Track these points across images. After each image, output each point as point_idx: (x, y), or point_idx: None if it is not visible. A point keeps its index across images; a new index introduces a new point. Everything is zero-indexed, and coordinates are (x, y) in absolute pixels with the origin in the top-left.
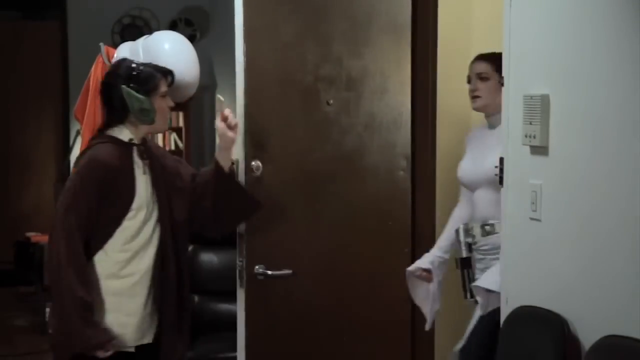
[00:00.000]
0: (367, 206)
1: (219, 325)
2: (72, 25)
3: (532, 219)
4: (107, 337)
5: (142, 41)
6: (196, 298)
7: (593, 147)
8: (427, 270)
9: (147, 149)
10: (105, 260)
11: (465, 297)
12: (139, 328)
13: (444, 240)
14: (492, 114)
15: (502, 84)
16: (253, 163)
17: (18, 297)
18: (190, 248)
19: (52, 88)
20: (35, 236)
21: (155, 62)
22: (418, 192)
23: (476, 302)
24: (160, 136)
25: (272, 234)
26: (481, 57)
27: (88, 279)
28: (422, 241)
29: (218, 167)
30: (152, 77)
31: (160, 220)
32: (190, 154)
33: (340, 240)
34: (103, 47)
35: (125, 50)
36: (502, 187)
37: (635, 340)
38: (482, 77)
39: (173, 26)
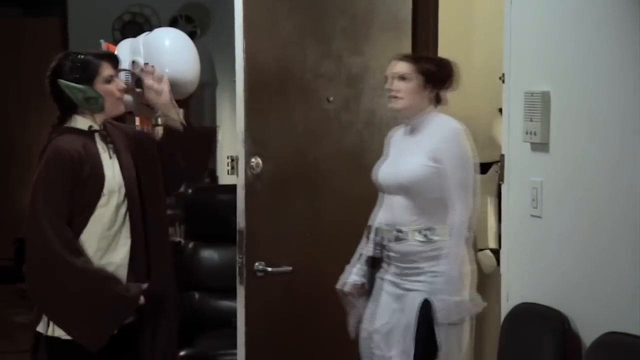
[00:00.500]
0: (367, 203)
1: (219, 322)
2: (73, 22)
3: (532, 215)
4: (139, 286)
5: (142, 38)
6: (196, 295)
7: (594, 144)
8: (362, 285)
9: (108, 133)
10: (87, 247)
11: (368, 297)
12: None
13: (363, 244)
14: (412, 118)
15: (424, 87)
16: (253, 160)
17: (18, 294)
18: (190, 245)
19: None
20: None
21: (155, 59)
22: None
23: None
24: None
25: (272, 231)
26: (402, 58)
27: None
28: None
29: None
30: (89, 64)
31: (130, 204)
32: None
33: (340, 237)
34: (104, 44)
35: (126, 47)
36: (503, 183)
37: (636, 337)
38: (402, 78)
39: (173, 23)
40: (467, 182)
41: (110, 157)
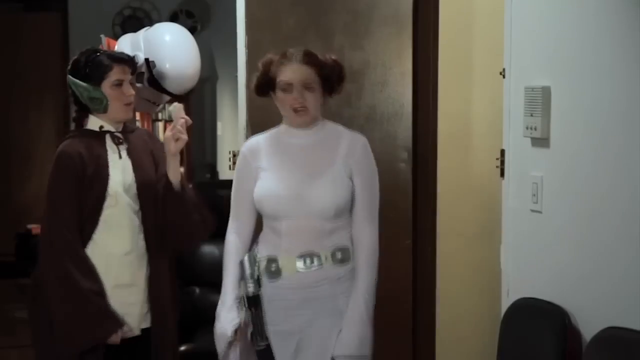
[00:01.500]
0: None
1: None
2: (73, 17)
3: (533, 210)
4: (119, 324)
5: (143, 33)
6: (197, 290)
7: (594, 139)
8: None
9: (126, 136)
10: (98, 251)
11: (254, 342)
12: (140, 315)
13: (232, 282)
14: (308, 127)
15: (328, 94)
16: None
17: (19, 289)
18: None
19: (53, 80)
20: (36, 228)
21: (156, 54)
22: (419, 184)
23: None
24: (161, 127)
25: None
26: (306, 61)
27: (92, 270)
28: (423, 233)
29: (167, 183)
30: (101, 65)
31: (143, 206)
32: (191, 146)
33: None
34: (104, 39)
35: (127, 42)
36: (503, 179)
37: (637, 332)
38: (308, 87)
39: (174, 18)
40: (377, 201)
41: (120, 158)
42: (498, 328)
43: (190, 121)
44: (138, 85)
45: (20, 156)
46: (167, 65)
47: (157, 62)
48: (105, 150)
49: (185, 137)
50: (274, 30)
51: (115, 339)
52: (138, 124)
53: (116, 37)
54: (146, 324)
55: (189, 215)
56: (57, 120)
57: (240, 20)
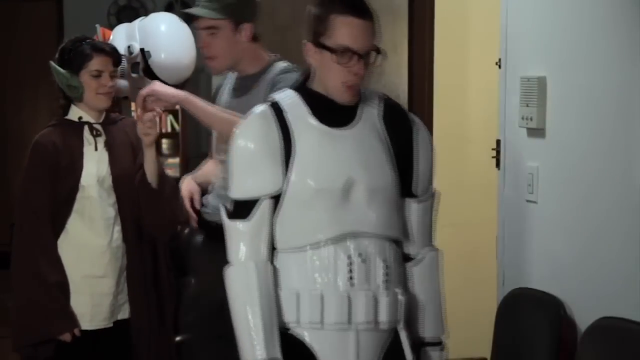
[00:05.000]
0: None
1: None
2: (68, 6)
3: (528, 201)
4: (75, 324)
5: (138, 23)
6: (192, 280)
7: (590, 130)
8: None
9: (106, 128)
10: (70, 241)
11: None
12: (112, 306)
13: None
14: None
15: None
16: None
17: None
18: (186, 231)
19: (47, 70)
20: None
21: (151, 44)
22: None
23: None
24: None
25: None
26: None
27: (58, 261)
28: None
29: (142, 175)
30: (82, 54)
31: (119, 198)
32: (186, 136)
33: None
34: (99, 29)
35: (122, 32)
36: (499, 169)
37: (631, 321)
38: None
39: (169, 8)
40: None
41: (96, 150)
42: (493, 318)
43: (159, 113)
44: (133, 75)
45: (15, 145)
46: (163, 55)
47: (152, 52)
48: (82, 142)
49: (153, 132)
50: (269, 20)
51: (67, 337)
52: (134, 114)
53: (111, 27)
54: (123, 315)
55: (158, 209)
56: (52, 110)
57: None
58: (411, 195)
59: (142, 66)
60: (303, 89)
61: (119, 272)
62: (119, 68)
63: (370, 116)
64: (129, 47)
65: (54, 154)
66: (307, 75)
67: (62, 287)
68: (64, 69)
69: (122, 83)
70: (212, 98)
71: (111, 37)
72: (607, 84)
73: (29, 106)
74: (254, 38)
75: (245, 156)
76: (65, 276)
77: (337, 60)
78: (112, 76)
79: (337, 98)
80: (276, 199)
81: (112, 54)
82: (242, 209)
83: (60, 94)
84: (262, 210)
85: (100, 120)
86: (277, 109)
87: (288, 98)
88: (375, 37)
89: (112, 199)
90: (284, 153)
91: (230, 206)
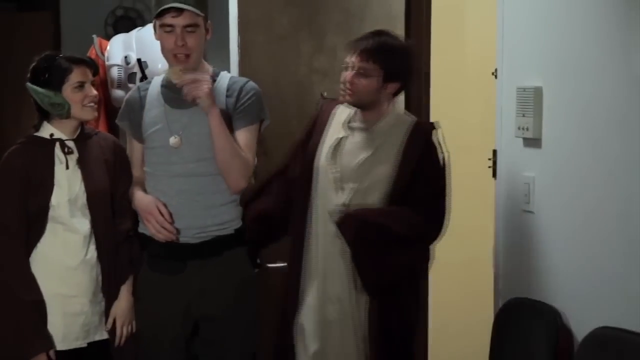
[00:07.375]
0: None
1: None
2: (65, 16)
3: (525, 211)
4: (50, 345)
5: (135, 33)
6: None
7: (586, 139)
8: None
9: (79, 144)
10: (43, 259)
11: None
12: (86, 326)
13: None
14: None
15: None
16: None
17: None
18: None
19: None
20: None
21: (148, 54)
22: None
23: None
24: None
25: None
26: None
27: (33, 280)
28: None
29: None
30: (60, 69)
31: (94, 216)
32: None
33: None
34: (96, 39)
35: (119, 42)
36: (495, 179)
37: (628, 331)
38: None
39: None
40: None
41: (68, 168)
42: (490, 328)
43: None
44: (130, 85)
45: None
46: (160, 66)
47: (149, 63)
48: (52, 160)
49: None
50: (267, 31)
51: (42, 358)
52: None
53: (108, 37)
54: (101, 336)
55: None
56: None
57: (233, 20)
58: None
59: (139, 76)
60: None
61: (93, 290)
62: (116, 78)
63: None
64: (126, 57)
65: (25, 173)
66: None
67: (38, 306)
68: (42, 88)
69: (119, 93)
70: (121, 114)
71: (108, 48)
72: (603, 94)
73: (27, 116)
74: None
75: None
76: (41, 294)
77: None
78: (93, 85)
79: None
80: None
81: (90, 63)
82: None
83: (38, 113)
84: None
85: (75, 136)
86: None
87: None
88: None
89: (87, 216)
90: None
91: None
